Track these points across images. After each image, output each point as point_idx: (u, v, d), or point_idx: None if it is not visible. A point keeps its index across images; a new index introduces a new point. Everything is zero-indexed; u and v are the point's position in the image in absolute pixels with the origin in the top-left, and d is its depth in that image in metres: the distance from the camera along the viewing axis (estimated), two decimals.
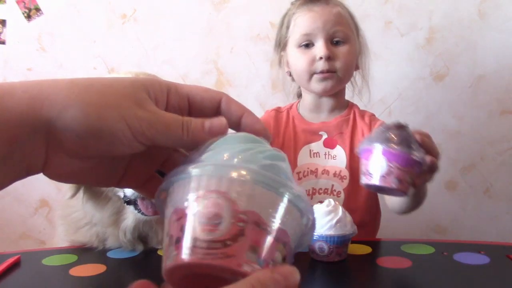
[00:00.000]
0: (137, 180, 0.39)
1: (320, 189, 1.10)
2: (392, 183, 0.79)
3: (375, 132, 0.85)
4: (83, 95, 0.31)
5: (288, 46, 1.18)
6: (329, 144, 1.15)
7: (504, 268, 0.79)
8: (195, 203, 0.30)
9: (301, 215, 0.32)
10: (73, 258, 0.85)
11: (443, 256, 0.84)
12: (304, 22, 1.13)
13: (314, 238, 0.81)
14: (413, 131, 0.86)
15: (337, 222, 0.81)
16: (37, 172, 0.34)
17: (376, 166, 0.81)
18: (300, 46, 1.13)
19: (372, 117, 1.20)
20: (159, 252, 0.86)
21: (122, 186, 0.39)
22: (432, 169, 0.85)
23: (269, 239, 0.30)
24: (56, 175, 0.35)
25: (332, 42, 1.12)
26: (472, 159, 1.59)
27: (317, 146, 1.15)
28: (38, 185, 1.64)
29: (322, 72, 1.11)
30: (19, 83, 0.31)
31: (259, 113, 1.32)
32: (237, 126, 0.36)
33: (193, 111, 0.36)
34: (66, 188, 0.86)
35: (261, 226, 0.29)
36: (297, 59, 1.14)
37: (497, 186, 1.59)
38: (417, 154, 0.81)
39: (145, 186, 0.39)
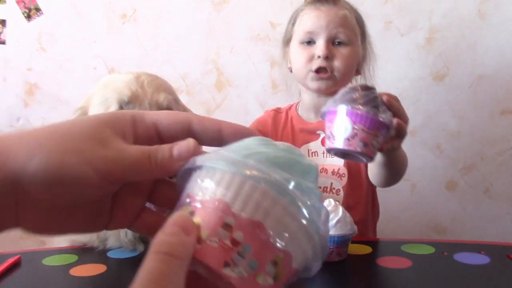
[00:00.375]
0: (125, 219, 0.36)
1: (319, 187, 1.10)
2: (357, 146, 0.74)
3: (340, 93, 0.78)
4: (46, 143, 0.30)
5: (292, 42, 1.19)
6: None
7: (504, 268, 0.79)
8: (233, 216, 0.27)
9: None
10: (73, 258, 0.85)
11: (443, 256, 0.84)
12: (309, 20, 1.14)
13: None
14: (381, 93, 0.80)
15: (337, 222, 0.81)
16: (12, 228, 0.32)
17: (340, 129, 0.75)
18: (302, 42, 1.15)
19: None
20: None
21: (112, 228, 0.36)
22: (400, 133, 0.81)
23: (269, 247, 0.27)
24: (34, 229, 0.33)
25: (334, 42, 1.13)
26: (472, 159, 1.59)
27: (315, 145, 1.15)
28: None
29: (318, 71, 1.11)
30: None
31: (259, 113, 1.32)
32: (219, 140, 0.34)
33: (164, 138, 0.34)
34: None
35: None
36: (297, 55, 1.15)
37: (497, 186, 1.59)
38: (384, 116, 0.75)
39: (137, 223, 0.36)
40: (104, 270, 0.79)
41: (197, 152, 0.32)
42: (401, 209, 1.63)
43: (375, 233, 1.20)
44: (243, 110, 1.61)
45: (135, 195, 0.36)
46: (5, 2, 1.60)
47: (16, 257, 0.82)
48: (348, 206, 1.08)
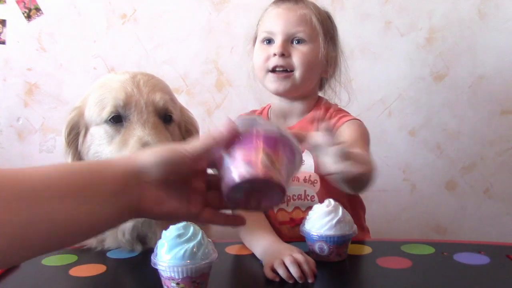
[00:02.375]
0: (197, 204, 0.57)
1: (294, 195, 1.07)
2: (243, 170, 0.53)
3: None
4: (153, 152, 0.54)
5: (256, 42, 1.18)
6: None
7: (504, 268, 0.79)
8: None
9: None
10: (73, 258, 0.85)
11: (443, 256, 0.84)
12: (269, 19, 1.14)
13: (314, 238, 0.82)
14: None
15: (337, 222, 0.80)
16: (137, 209, 0.53)
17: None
18: (262, 42, 1.13)
19: (338, 110, 1.15)
20: None
21: (192, 211, 0.57)
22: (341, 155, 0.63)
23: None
24: (150, 209, 0.53)
25: (293, 41, 1.10)
26: (472, 159, 1.59)
27: None
28: None
29: (274, 70, 1.09)
30: (119, 157, 0.71)
31: None
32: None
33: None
34: None
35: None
36: (257, 54, 1.14)
37: (497, 186, 1.59)
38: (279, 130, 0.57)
39: (202, 214, 0.57)
40: (103, 271, 0.79)
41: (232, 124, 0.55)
42: (401, 209, 1.63)
43: (364, 230, 1.15)
44: (243, 110, 1.60)
45: (199, 181, 0.57)
46: (5, 2, 1.60)
47: None
48: None
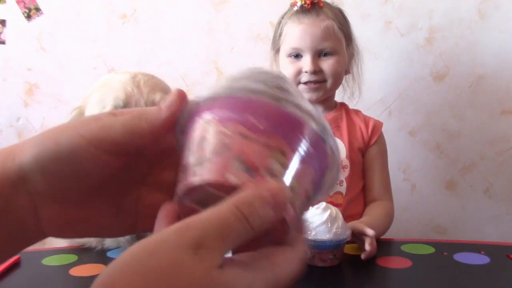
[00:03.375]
0: (153, 220, 0.32)
1: None
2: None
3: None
4: (46, 133, 0.31)
5: (280, 53, 1.23)
6: None
7: (504, 268, 0.79)
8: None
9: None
10: (73, 258, 0.85)
11: (443, 256, 0.84)
12: (294, 34, 1.18)
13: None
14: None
15: (336, 227, 0.79)
16: (37, 234, 0.32)
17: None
18: (289, 56, 1.19)
19: (364, 115, 1.27)
20: None
21: (141, 230, 0.35)
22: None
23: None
24: (57, 230, 0.33)
25: (320, 54, 1.17)
26: (472, 159, 1.59)
27: None
28: None
29: (307, 83, 1.16)
30: None
31: None
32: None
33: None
34: None
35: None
36: (286, 68, 1.20)
37: (497, 186, 1.59)
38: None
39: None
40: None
41: (184, 99, 0.32)
42: (401, 209, 1.63)
43: None
44: None
45: (158, 192, 0.35)
46: (5, 2, 1.60)
47: (16, 257, 0.82)
48: (350, 197, 1.14)
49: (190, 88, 1.61)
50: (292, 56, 1.19)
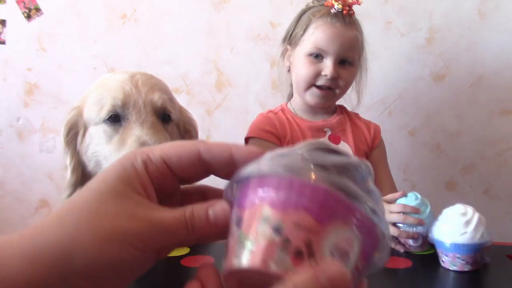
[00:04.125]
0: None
1: None
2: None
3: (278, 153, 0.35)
4: (82, 235, 0.28)
5: (299, 48, 1.20)
6: (334, 140, 1.21)
7: (504, 268, 0.79)
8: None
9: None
10: None
11: None
12: (323, 36, 1.15)
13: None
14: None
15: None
16: None
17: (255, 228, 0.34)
18: (310, 55, 1.17)
19: (363, 118, 1.31)
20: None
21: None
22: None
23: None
24: None
25: (341, 62, 1.17)
26: (472, 159, 1.59)
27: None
28: (38, 185, 1.64)
29: (321, 88, 1.16)
30: (10, 245, 0.29)
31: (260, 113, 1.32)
32: (229, 166, 0.32)
33: (176, 173, 0.33)
34: (64, 188, 0.86)
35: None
36: (303, 66, 1.17)
37: (497, 186, 1.59)
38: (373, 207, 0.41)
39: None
40: None
41: (229, 216, 0.30)
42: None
43: None
44: (243, 110, 1.61)
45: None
46: (5, 2, 1.60)
47: None
48: None
49: (190, 88, 1.61)
50: (313, 56, 1.16)
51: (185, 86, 1.61)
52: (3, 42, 1.61)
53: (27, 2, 1.60)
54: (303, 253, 0.26)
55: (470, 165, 1.60)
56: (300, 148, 0.30)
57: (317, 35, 1.16)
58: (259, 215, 0.27)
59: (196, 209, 0.31)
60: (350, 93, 1.32)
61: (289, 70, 1.26)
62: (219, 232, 0.31)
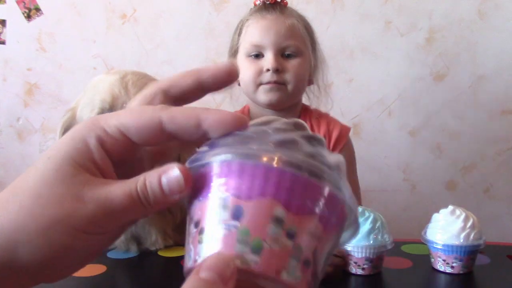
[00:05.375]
0: None
1: None
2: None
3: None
4: (27, 226, 0.26)
5: (239, 54, 1.13)
6: None
7: (504, 268, 0.79)
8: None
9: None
10: None
11: None
12: (255, 31, 1.09)
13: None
14: None
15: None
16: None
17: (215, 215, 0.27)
18: (249, 55, 1.10)
19: (330, 120, 1.16)
20: (159, 253, 0.86)
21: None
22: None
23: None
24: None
25: (283, 54, 1.08)
26: (472, 159, 1.59)
27: None
28: None
29: (269, 82, 1.07)
30: None
31: None
32: (201, 136, 0.28)
33: (135, 141, 0.29)
34: None
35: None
36: (245, 69, 1.10)
37: (497, 186, 1.59)
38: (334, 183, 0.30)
39: None
40: (103, 271, 0.79)
41: (187, 183, 0.27)
42: (401, 209, 1.63)
43: None
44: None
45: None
46: (5, 2, 1.60)
47: None
48: None
49: None
50: (252, 56, 1.09)
51: None
52: (3, 42, 1.61)
53: (27, 2, 1.60)
54: (310, 262, 0.25)
55: (470, 165, 1.60)
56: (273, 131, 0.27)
57: (250, 33, 1.10)
58: (271, 214, 0.25)
59: (149, 178, 0.27)
60: (319, 97, 1.21)
61: (239, 84, 1.15)
62: (176, 201, 0.27)
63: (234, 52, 1.16)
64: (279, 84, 1.07)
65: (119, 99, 0.81)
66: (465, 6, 1.54)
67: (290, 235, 0.25)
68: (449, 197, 1.60)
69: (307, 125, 0.28)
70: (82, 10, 1.60)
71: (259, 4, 1.12)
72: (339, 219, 0.26)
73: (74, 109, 0.87)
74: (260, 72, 1.07)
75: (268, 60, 1.06)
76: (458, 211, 0.78)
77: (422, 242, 0.83)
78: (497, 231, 1.59)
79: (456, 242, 0.74)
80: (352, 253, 0.75)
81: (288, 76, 1.07)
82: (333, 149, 1.12)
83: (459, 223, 0.76)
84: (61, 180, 0.27)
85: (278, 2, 1.11)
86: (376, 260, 0.76)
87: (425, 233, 0.81)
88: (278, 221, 0.25)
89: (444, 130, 1.59)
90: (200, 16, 1.60)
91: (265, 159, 0.25)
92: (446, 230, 0.76)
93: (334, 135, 1.13)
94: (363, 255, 0.75)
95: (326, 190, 0.26)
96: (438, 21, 1.55)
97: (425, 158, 1.60)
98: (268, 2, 1.11)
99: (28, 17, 1.61)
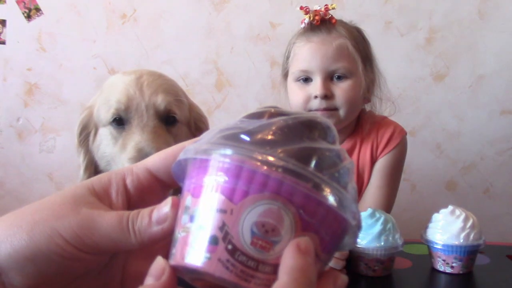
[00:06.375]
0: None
1: None
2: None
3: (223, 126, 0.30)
4: (18, 222, 0.27)
5: (288, 77, 1.10)
6: None
7: (504, 268, 0.79)
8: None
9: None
10: None
11: None
12: (302, 55, 1.05)
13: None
14: None
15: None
16: None
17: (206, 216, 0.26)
18: (298, 80, 1.06)
19: (385, 126, 1.11)
20: None
21: None
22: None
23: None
24: None
25: (332, 77, 1.03)
26: (472, 159, 1.59)
27: None
28: (38, 185, 1.64)
29: (318, 109, 1.02)
30: None
31: None
32: None
33: (161, 179, 0.31)
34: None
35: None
36: (294, 94, 1.07)
37: (497, 186, 1.59)
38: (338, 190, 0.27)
39: None
40: None
41: (177, 208, 0.27)
42: (401, 209, 1.63)
43: None
44: (243, 110, 1.61)
45: (144, 259, 0.31)
46: (5, 2, 1.60)
47: None
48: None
49: (190, 88, 1.61)
50: (301, 81, 1.04)
51: (185, 86, 1.61)
52: (3, 42, 1.61)
53: (27, 2, 1.60)
54: (218, 238, 0.24)
55: (470, 165, 1.60)
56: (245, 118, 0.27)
57: (297, 57, 1.06)
58: (183, 205, 0.26)
59: (143, 210, 0.28)
60: (381, 107, 1.16)
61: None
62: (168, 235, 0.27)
63: (285, 75, 1.12)
64: (329, 111, 1.02)
65: (133, 100, 0.81)
66: (465, 6, 1.54)
67: (191, 218, 0.25)
68: (449, 197, 1.60)
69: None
70: (82, 10, 1.60)
71: (305, 26, 1.06)
72: (251, 188, 0.24)
73: (91, 108, 0.87)
74: (308, 99, 1.03)
75: (316, 86, 1.01)
76: (458, 211, 0.78)
77: (422, 242, 0.83)
78: (497, 231, 1.59)
79: (456, 242, 0.74)
80: (363, 255, 0.75)
81: (339, 101, 1.02)
82: (382, 152, 1.09)
83: (459, 223, 0.76)
84: (70, 197, 0.28)
85: (325, 21, 1.05)
86: (387, 261, 0.76)
87: (425, 233, 0.81)
88: (186, 209, 0.25)
89: (444, 130, 1.59)
90: (200, 16, 1.60)
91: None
92: (446, 230, 0.76)
93: (385, 140, 1.09)
94: (375, 256, 0.74)
95: (211, 163, 0.25)
96: (438, 21, 1.55)
97: (425, 158, 1.60)
98: (314, 23, 1.04)
99: (28, 17, 1.61)
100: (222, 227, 0.24)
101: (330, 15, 1.05)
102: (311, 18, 1.04)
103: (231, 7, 1.59)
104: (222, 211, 0.24)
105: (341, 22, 1.07)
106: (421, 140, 1.60)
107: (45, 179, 1.64)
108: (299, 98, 1.04)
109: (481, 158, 1.59)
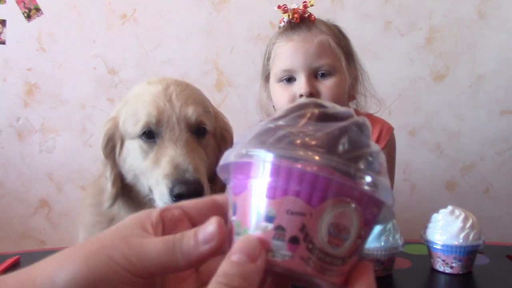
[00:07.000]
0: None
1: None
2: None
3: (263, 123, 0.31)
4: (72, 254, 0.30)
5: (270, 79, 1.08)
6: None
7: (504, 268, 0.79)
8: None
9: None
10: None
11: None
12: (283, 55, 1.02)
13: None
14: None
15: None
16: None
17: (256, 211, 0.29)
18: (281, 80, 1.03)
19: (373, 121, 1.08)
20: None
21: None
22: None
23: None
24: None
25: (316, 75, 1.01)
26: (472, 159, 1.59)
27: None
28: (38, 185, 1.64)
29: None
30: (10, 276, 0.30)
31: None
32: None
33: (197, 224, 0.32)
34: (106, 199, 0.83)
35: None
36: (278, 95, 1.04)
37: (497, 186, 1.59)
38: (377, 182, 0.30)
39: None
40: None
41: (223, 229, 0.29)
42: (401, 209, 1.63)
43: None
44: (243, 110, 1.61)
45: (184, 281, 0.34)
46: (5, 2, 1.60)
47: (15, 257, 0.82)
48: None
49: None
50: (284, 81, 1.02)
51: None
52: (3, 42, 1.61)
53: (27, 2, 1.60)
54: (299, 238, 0.27)
55: (470, 165, 1.60)
56: (286, 119, 0.29)
57: (279, 57, 1.03)
58: (250, 203, 0.28)
59: (187, 232, 0.30)
60: (365, 102, 1.16)
61: (275, 109, 1.11)
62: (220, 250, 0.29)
63: (266, 77, 1.10)
64: None
65: (164, 113, 0.79)
66: (465, 6, 1.54)
67: (268, 219, 0.27)
68: (449, 197, 1.60)
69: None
70: (82, 10, 1.60)
71: (284, 25, 1.04)
72: (325, 192, 0.27)
73: (116, 119, 0.85)
74: (293, 99, 1.00)
75: (301, 84, 0.99)
76: (457, 211, 0.78)
77: (422, 242, 0.83)
78: (496, 231, 1.59)
79: (455, 242, 0.74)
80: (363, 255, 0.74)
81: (324, 99, 0.97)
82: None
83: (458, 223, 0.76)
84: (116, 231, 0.31)
85: (304, 19, 1.03)
86: (387, 262, 0.76)
87: (425, 233, 0.81)
88: (258, 208, 0.28)
89: (444, 130, 1.59)
90: (200, 16, 1.60)
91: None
92: (445, 230, 0.76)
93: (374, 137, 1.09)
94: (375, 256, 0.74)
95: (285, 166, 0.27)
96: (438, 21, 1.55)
97: (425, 158, 1.60)
98: (293, 21, 1.03)
99: (28, 17, 1.61)
100: (302, 228, 0.27)
101: (309, 13, 1.04)
102: (290, 17, 1.02)
103: (231, 7, 1.59)
104: (301, 214, 0.27)
105: (320, 20, 1.06)
106: (421, 140, 1.60)
107: (45, 179, 1.64)
108: (284, 99, 1.02)
109: (481, 158, 1.59)
